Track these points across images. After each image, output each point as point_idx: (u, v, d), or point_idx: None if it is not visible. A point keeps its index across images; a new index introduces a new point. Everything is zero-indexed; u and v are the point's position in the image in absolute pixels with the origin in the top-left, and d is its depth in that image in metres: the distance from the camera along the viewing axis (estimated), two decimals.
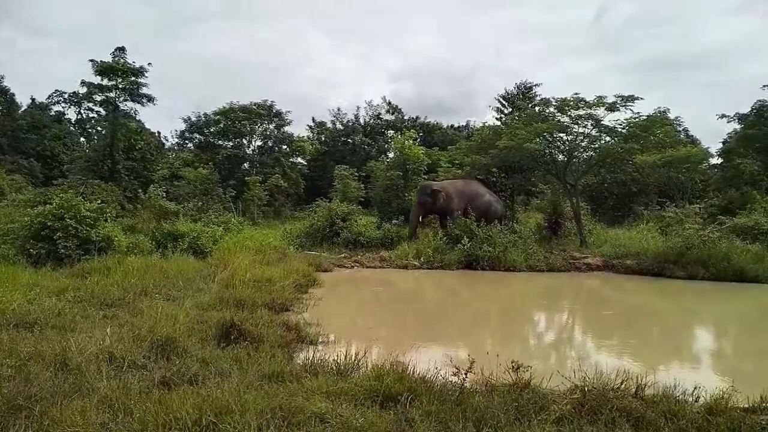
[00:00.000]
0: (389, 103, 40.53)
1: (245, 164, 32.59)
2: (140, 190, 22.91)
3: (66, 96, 44.11)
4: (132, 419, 4.02)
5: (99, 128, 41.62)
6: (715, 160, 29.79)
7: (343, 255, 17.18)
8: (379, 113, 40.07)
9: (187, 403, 4.16)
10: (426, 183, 20.16)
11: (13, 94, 40.28)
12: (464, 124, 42.31)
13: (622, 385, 5.07)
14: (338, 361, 5.75)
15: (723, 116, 27.42)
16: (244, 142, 32.85)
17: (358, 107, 40.19)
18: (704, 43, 76.36)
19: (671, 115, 18.96)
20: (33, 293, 8.20)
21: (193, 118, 32.52)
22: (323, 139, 39.36)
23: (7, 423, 3.99)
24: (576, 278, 15.74)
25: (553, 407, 4.62)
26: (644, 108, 19.09)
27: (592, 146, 19.80)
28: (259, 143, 33.41)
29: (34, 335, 6.22)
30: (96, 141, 37.54)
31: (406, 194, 22.18)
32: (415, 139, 27.34)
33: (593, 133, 19.06)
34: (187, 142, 33.92)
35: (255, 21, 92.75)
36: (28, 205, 16.87)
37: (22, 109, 41.74)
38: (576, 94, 18.43)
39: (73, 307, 7.78)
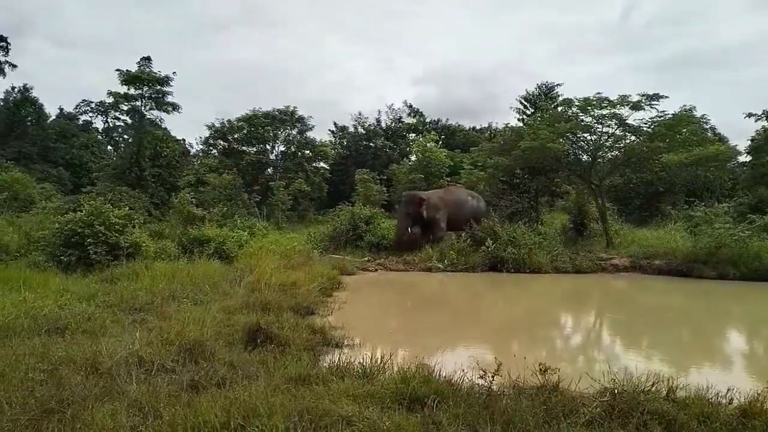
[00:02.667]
0: (410, 106, 40.60)
1: (269, 170, 32.86)
2: (168, 196, 23.27)
3: (93, 105, 45.21)
4: (161, 422, 4.06)
5: (126, 136, 42.52)
6: (744, 158, 29.19)
7: (366, 258, 17.20)
8: (401, 117, 40.12)
9: (215, 406, 4.19)
10: (412, 192, 20.00)
11: (42, 105, 41.18)
12: (486, 125, 42.12)
13: (653, 388, 4.96)
14: (364, 364, 5.72)
15: (750, 115, 26.81)
16: (268, 147, 33.13)
17: (380, 111, 40.16)
18: (727, 40, 74.91)
19: (697, 113, 18.66)
20: (64, 299, 8.33)
21: (217, 125, 32.91)
22: (345, 143, 39.50)
23: (40, 426, 4.06)
24: (603, 279, 15.53)
25: (583, 410, 4.55)
26: (669, 106, 18.73)
27: (617, 146, 19.54)
28: (282, 149, 33.69)
29: (66, 340, 6.32)
30: (123, 149, 38.24)
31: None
32: (437, 142, 27.34)
33: (618, 132, 18.82)
34: (211, 148, 34.30)
35: (275, 27, 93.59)
36: (57, 212, 17.22)
37: (51, 118, 42.66)
38: (599, 93, 18.26)
39: (102, 312, 7.90)
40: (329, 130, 40.96)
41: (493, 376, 4.80)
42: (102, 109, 44.94)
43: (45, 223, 14.99)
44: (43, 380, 4.88)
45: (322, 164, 35.58)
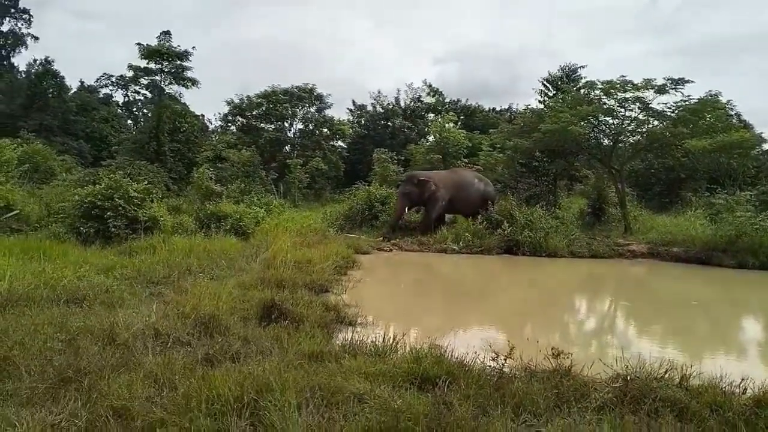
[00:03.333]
0: (430, 85, 40.19)
1: (287, 147, 32.87)
2: (186, 171, 23.43)
3: (114, 79, 45.57)
4: (176, 394, 4.12)
5: (145, 111, 42.82)
6: None
7: (380, 238, 17.21)
8: (420, 96, 39.77)
9: (229, 380, 4.23)
10: (412, 173, 19.45)
11: (63, 77, 41.44)
12: (506, 107, 41.65)
13: (666, 375, 4.94)
14: (377, 342, 5.76)
15: None
16: (286, 125, 33.10)
17: (399, 90, 39.78)
18: (756, 26, 72.97)
19: (722, 99, 18.28)
20: (82, 270, 8.44)
21: (236, 101, 32.89)
22: (363, 122, 39.32)
23: (58, 394, 4.14)
24: (619, 265, 15.40)
25: (594, 395, 4.54)
26: (694, 91, 18.31)
27: (639, 130, 19.22)
28: (300, 126, 33.64)
29: (84, 311, 6.43)
30: (142, 123, 38.55)
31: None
32: (456, 122, 27.12)
33: (640, 116, 18.50)
34: (230, 124, 34.34)
35: (296, 4, 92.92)
36: (77, 185, 17.41)
37: (72, 91, 42.97)
38: (623, 76, 17.94)
39: (120, 284, 8.00)
40: (347, 108, 40.82)
41: (505, 359, 4.80)
42: (122, 82, 45.37)
43: (65, 195, 15.17)
44: (61, 349, 4.98)
45: (339, 143, 35.51)
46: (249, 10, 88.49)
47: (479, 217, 17.62)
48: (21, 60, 56.92)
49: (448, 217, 19.14)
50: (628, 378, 4.78)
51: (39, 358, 4.71)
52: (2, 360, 4.65)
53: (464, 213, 18.65)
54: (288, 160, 29.26)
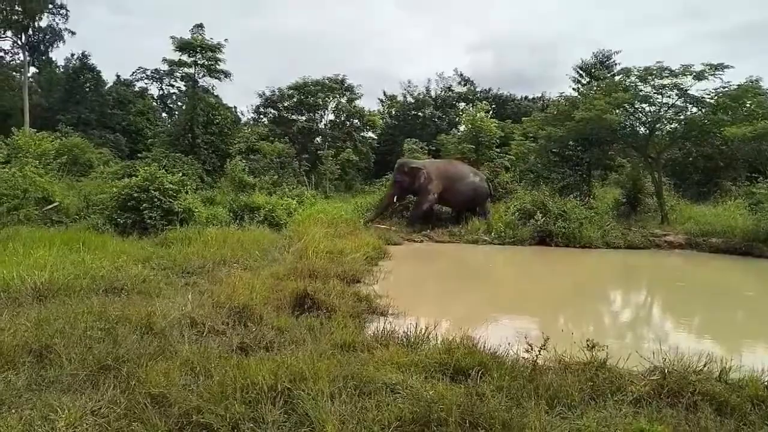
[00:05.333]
0: (461, 74, 39.85)
1: (318, 138, 32.98)
2: (219, 163, 23.69)
3: (149, 72, 46.28)
4: (212, 382, 4.18)
5: (180, 103, 43.42)
6: None
7: (412, 229, 17.17)
8: (450, 85, 39.45)
9: (263, 369, 4.29)
10: (404, 160, 19.00)
11: (100, 72, 42.23)
12: (539, 95, 41.03)
13: (705, 368, 4.82)
14: (408, 333, 5.76)
15: None
16: (317, 116, 33.19)
17: (429, 80, 39.55)
18: None
19: (763, 85, 17.73)
20: (120, 260, 8.61)
21: (268, 93, 33.10)
22: (393, 112, 39.20)
23: (97, 381, 4.25)
24: (656, 256, 15.09)
25: (631, 388, 4.47)
26: (734, 77, 17.84)
27: (677, 117, 18.77)
28: (331, 117, 33.69)
29: (122, 300, 6.56)
30: (177, 116, 39.10)
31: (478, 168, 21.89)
32: (488, 112, 26.85)
33: (678, 103, 18.06)
34: (262, 116, 34.59)
35: None
36: (115, 177, 17.81)
37: (108, 85, 43.78)
38: (659, 62, 17.51)
39: (157, 274, 8.17)
40: (378, 98, 40.72)
41: (540, 350, 4.74)
42: (157, 76, 46.13)
43: (103, 187, 15.52)
44: (101, 338, 5.09)
45: (369, 134, 35.48)
46: (280, 0, 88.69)
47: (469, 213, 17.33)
48: (59, 55, 58.23)
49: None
50: (666, 371, 4.69)
51: (79, 347, 4.82)
52: (44, 348, 4.79)
53: (455, 206, 18.41)
54: (319, 151, 29.36)
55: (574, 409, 4.12)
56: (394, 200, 17.96)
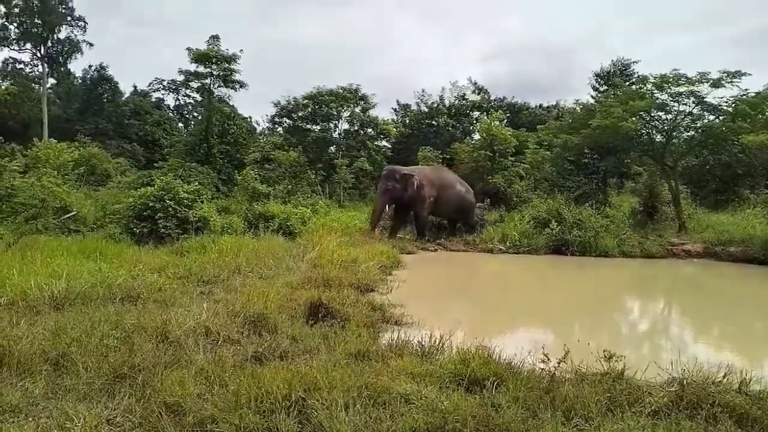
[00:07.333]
0: (475, 83, 39.82)
1: (332, 147, 33.08)
2: (235, 173, 23.86)
3: (165, 83, 46.86)
4: (227, 391, 4.19)
5: (195, 114, 43.87)
6: None
7: (426, 237, 17.14)
8: (464, 94, 39.40)
9: (277, 378, 4.28)
10: (393, 167, 17.77)
11: (117, 83, 42.87)
12: (554, 104, 40.87)
13: (724, 379, 4.74)
14: (423, 342, 5.72)
15: None
16: (331, 125, 33.31)
17: (443, 88, 39.50)
18: None
19: None
20: (137, 269, 8.68)
21: (283, 103, 33.31)
22: (407, 121, 39.24)
23: (113, 390, 4.28)
24: (673, 265, 14.90)
25: (649, 399, 4.40)
26: (752, 84, 17.69)
27: (694, 125, 18.60)
28: (345, 126, 33.78)
29: (138, 309, 6.59)
30: (193, 126, 39.48)
31: (491, 177, 21.85)
32: (502, 120, 26.84)
33: (695, 111, 17.90)
34: (276, 126, 34.78)
35: (341, 4, 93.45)
36: (131, 186, 18.02)
37: (125, 96, 44.37)
38: (675, 69, 17.38)
39: (172, 283, 8.20)
40: (392, 108, 40.77)
41: (558, 363, 4.69)
42: (173, 86, 46.67)
43: (120, 197, 15.70)
44: (117, 346, 5.12)
45: (384, 142, 35.52)
46: (294, 10, 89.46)
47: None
48: (77, 66, 59.27)
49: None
50: (684, 382, 4.61)
51: (95, 355, 4.85)
52: (61, 356, 4.83)
53: (442, 215, 18.07)
54: (334, 161, 29.45)
55: (591, 421, 4.06)
56: (386, 210, 17.03)
